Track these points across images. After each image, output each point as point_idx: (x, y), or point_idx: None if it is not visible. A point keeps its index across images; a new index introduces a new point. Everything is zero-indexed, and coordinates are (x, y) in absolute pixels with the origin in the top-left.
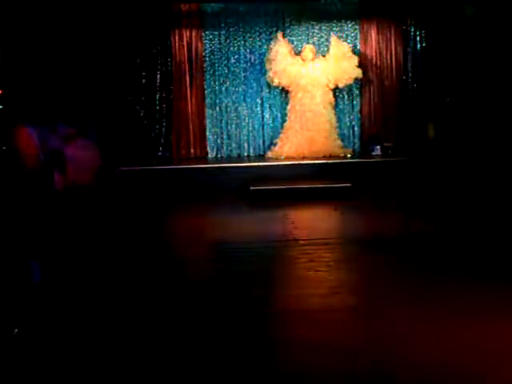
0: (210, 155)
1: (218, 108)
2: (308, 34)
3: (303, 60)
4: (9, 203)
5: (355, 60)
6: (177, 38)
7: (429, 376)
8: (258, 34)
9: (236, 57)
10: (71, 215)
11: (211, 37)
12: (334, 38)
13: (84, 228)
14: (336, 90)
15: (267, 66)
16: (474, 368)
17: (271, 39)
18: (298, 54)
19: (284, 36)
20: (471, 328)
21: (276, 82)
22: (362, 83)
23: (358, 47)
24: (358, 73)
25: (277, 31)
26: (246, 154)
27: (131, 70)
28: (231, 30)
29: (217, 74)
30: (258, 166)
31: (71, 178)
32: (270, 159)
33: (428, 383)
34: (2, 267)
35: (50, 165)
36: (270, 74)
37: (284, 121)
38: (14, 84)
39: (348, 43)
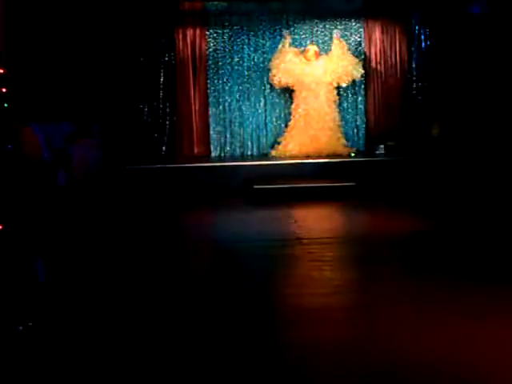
0: (213, 154)
1: (221, 107)
2: (312, 33)
3: (307, 60)
4: (13, 201)
5: (355, 60)
6: (180, 36)
7: (429, 376)
8: (261, 32)
9: (240, 55)
10: (75, 213)
11: (215, 35)
12: (335, 37)
13: (88, 226)
14: (340, 89)
15: (271, 68)
16: (474, 368)
17: (275, 38)
18: (301, 52)
19: (290, 34)
20: (472, 328)
21: (282, 83)
22: (366, 82)
23: (363, 46)
24: (357, 74)
25: (281, 30)
26: (249, 153)
27: (135, 69)
28: (235, 28)
29: (220, 72)
30: (262, 164)
31: (75, 176)
32: (273, 158)
33: (429, 382)
34: (7, 265)
35: (54, 163)
36: (275, 73)
37: (287, 119)
38: (19, 82)
39: (351, 42)
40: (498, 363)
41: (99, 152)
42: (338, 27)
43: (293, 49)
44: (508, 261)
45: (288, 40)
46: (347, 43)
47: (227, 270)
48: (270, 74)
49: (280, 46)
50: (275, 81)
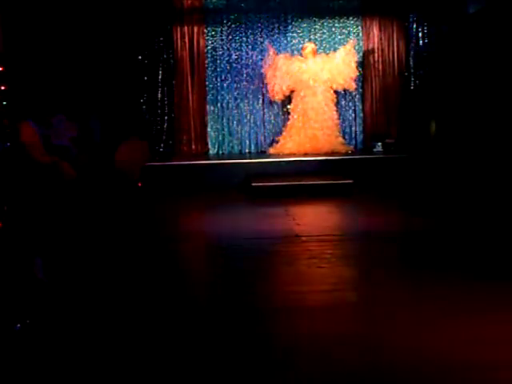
0: (211, 151)
1: (219, 104)
2: (310, 31)
3: (304, 58)
4: (14, 198)
5: (353, 70)
6: (179, 34)
7: (429, 373)
8: (259, 30)
9: (238, 53)
10: (74, 210)
11: (213, 33)
12: (351, 43)
13: (87, 223)
14: (335, 89)
15: (268, 83)
16: (474, 366)
17: (273, 36)
18: (292, 54)
19: (271, 43)
20: (472, 326)
21: (283, 90)
22: (363, 80)
23: (361, 44)
24: (350, 85)
25: (279, 27)
26: (247, 151)
27: (133, 67)
28: (233, 26)
29: (218, 70)
30: (260, 162)
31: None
32: (271, 156)
33: (428, 380)
34: (6, 262)
35: (58, 158)
36: (273, 84)
37: (285, 118)
38: (18, 80)
39: (346, 43)
40: (498, 361)
41: (144, 154)
42: (336, 25)
43: (282, 54)
44: (508, 258)
45: (272, 50)
46: (345, 41)
47: (225, 267)
48: (268, 89)
49: (267, 58)
50: (276, 90)
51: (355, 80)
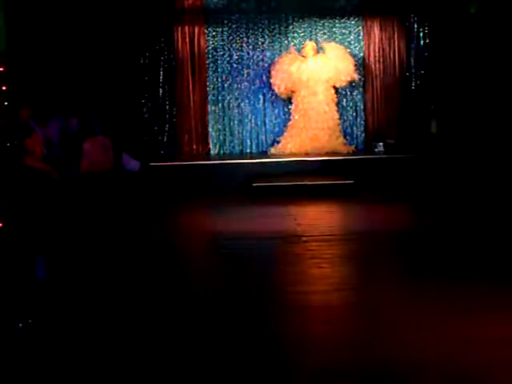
0: (212, 152)
1: (220, 104)
2: (311, 31)
3: (304, 57)
4: (14, 198)
5: (351, 62)
6: (180, 34)
7: (428, 373)
8: (260, 30)
9: (238, 53)
10: (75, 210)
11: (214, 33)
12: (324, 44)
13: (88, 224)
14: (339, 88)
15: (272, 76)
16: (475, 367)
17: (274, 36)
18: (298, 51)
19: (294, 49)
20: (472, 326)
21: (281, 90)
22: (364, 80)
23: (361, 44)
24: (353, 76)
25: (280, 28)
26: (248, 151)
27: (134, 67)
28: (234, 26)
29: (219, 70)
30: (261, 162)
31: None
32: (273, 156)
33: (428, 380)
34: (7, 262)
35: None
36: (275, 80)
37: (286, 118)
38: (20, 80)
39: (350, 40)
40: (498, 361)
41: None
42: (337, 25)
43: (293, 53)
44: (508, 259)
45: (291, 50)
46: (346, 41)
47: (226, 267)
48: (270, 81)
49: (283, 53)
50: (277, 88)
51: (355, 70)
